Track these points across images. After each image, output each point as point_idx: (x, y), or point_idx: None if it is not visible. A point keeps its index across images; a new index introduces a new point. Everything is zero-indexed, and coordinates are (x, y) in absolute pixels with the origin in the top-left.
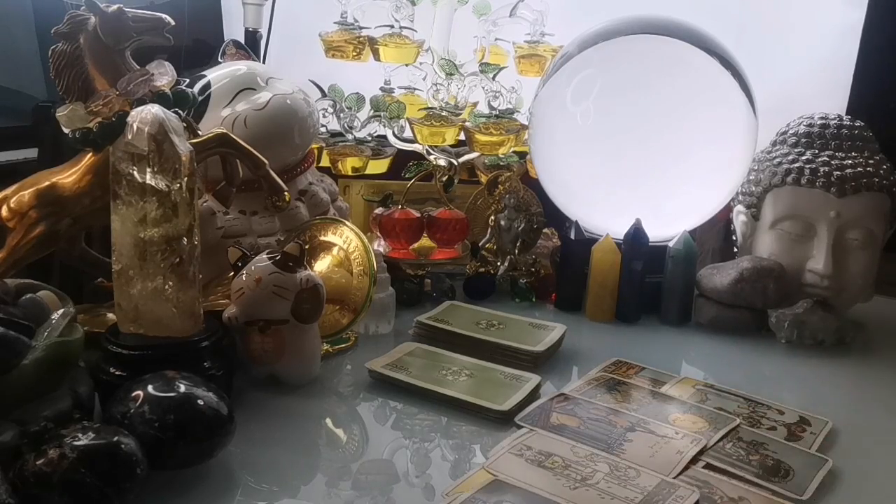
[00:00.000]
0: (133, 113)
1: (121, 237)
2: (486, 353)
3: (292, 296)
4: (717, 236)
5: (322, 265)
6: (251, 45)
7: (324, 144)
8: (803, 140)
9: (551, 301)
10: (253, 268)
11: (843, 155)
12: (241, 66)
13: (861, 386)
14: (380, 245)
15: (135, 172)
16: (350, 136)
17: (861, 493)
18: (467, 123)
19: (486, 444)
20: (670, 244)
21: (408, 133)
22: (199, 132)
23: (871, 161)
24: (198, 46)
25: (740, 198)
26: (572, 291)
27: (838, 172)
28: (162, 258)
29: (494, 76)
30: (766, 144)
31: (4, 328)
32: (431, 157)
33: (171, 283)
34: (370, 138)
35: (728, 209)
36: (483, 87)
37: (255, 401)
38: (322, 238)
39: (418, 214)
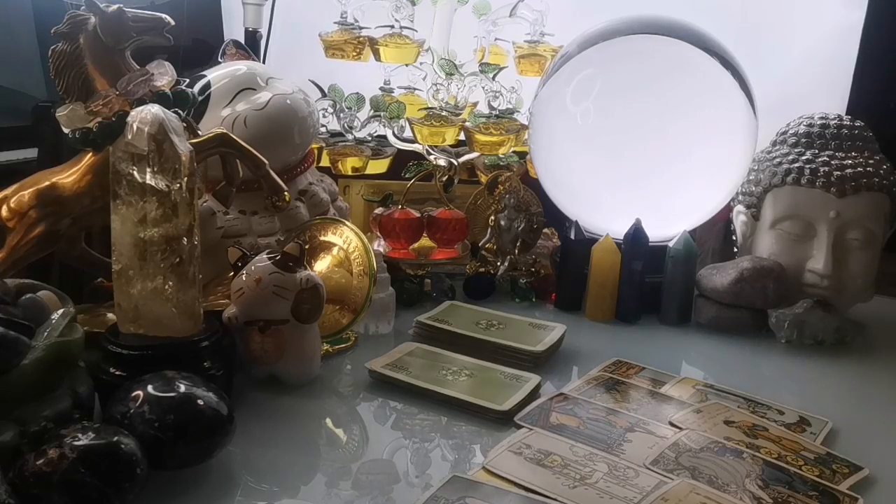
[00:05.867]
0: (133, 113)
1: (121, 237)
2: (486, 353)
3: (292, 296)
4: (717, 236)
5: (322, 265)
6: (251, 45)
7: (324, 144)
8: (803, 140)
9: (551, 301)
10: (253, 268)
11: (843, 155)
12: (241, 66)
13: (861, 386)
14: (380, 245)
15: (135, 172)
16: (350, 136)
17: (861, 492)
18: (467, 123)
19: (486, 443)
20: (670, 244)
21: (408, 133)
22: (199, 132)
23: (871, 161)
24: (198, 46)
25: (740, 198)
26: (572, 291)
27: (838, 172)
28: (162, 258)
29: (494, 76)
30: (766, 144)
31: (4, 328)
32: (431, 157)
33: (171, 283)
34: (370, 138)
35: (728, 209)
36: (483, 87)
37: (255, 401)
38: (322, 238)
39: (418, 214)
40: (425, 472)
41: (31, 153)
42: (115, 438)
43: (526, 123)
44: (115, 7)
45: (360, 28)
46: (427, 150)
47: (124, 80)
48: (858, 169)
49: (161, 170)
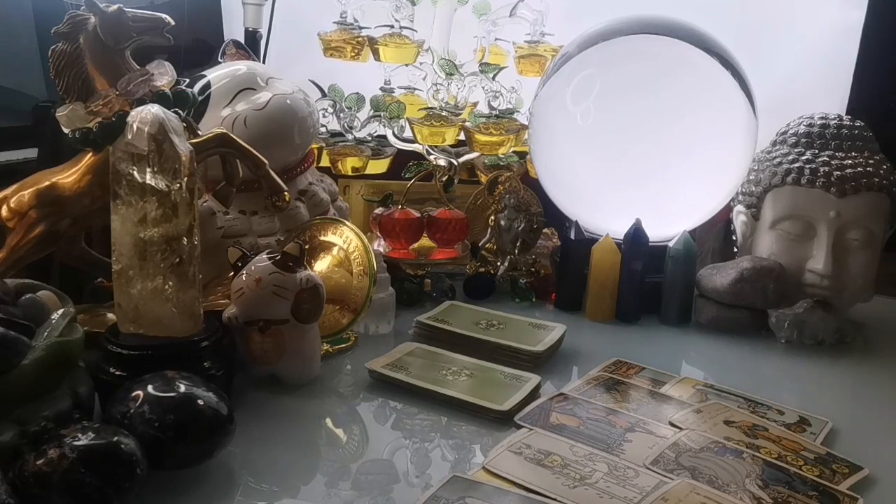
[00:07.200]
0: (133, 113)
1: (121, 237)
2: (486, 353)
3: (292, 296)
4: (717, 236)
5: (322, 265)
6: (251, 45)
7: (324, 144)
8: (803, 140)
9: (551, 301)
10: (253, 268)
11: (843, 155)
12: (241, 66)
13: (861, 386)
14: (380, 245)
15: (135, 172)
16: (350, 136)
17: (861, 492)
18: (467, 123)
19: (486, 443)
20: (670, 244)
21: (408, 133)
22: (199, 132)
23: (871, 161)
24: (198, 46)
25: (740, 198)
26: (572, 291)
27: (838, 172)
28: (162, 258)
29: (494, 76)
30: (766, 144)
31: (4, 328)
32: (431, 157)
33: (171, 283)
34: (370, 138)
35: (728, 209)
36: (483, 87)
37: (255, 401)
38: (322, 238)
39: (418, 214)
40: (425, 472)
41: (31, 153)
42: (115, 438)
43: (526, 123)
44: (115, 7)
45: (360, 28)
46: (427, 150)
47: (124, 80)
48: (858, 169)
49: (161, 170)
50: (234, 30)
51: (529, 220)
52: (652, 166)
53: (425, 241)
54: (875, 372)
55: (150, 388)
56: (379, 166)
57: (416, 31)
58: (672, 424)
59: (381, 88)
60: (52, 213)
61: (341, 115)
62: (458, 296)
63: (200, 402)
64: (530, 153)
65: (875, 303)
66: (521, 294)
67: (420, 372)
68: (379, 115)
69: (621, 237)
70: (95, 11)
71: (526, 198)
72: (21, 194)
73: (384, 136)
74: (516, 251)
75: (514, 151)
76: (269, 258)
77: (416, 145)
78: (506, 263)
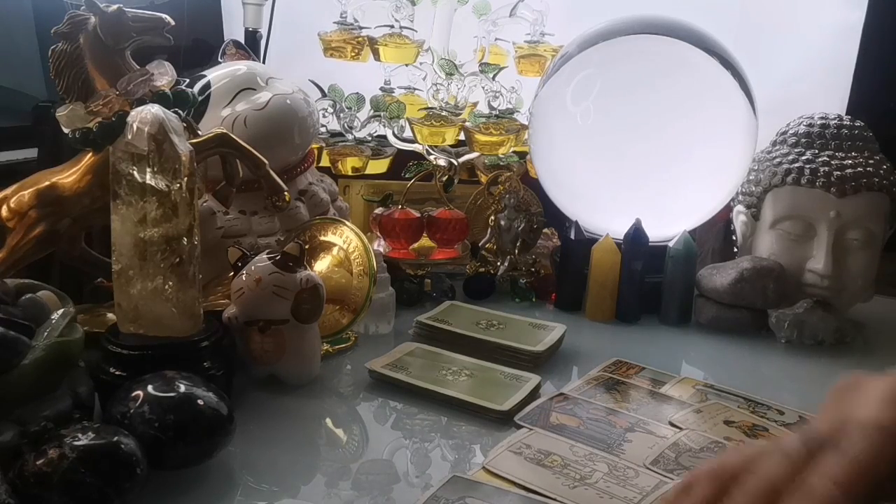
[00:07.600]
0: (133, 113)
1: (121, 237)
2: (486, 353)
3: (292, 296)
4: (717, 236)
5: (322, 265)
6: (251, 45)
7: (324, 144)
8: (803, 140)
9: (551, 301)
10: (253, 268)
11: (843, 155)
12: (241, 66)
13: None
14: (380, 245)
15: (135, 172)
16: (350, 136)
17: None
18: (467, 123)
19: (486, 444)
20: (670, 244)
21: (408, 133)
22: (199, 132)
23: (871, 161)
24: (198, 46)
25: (740, 198)
26: (572, 291)
27: (838, 172)
28: (162, 258)
29: (494, 76)
30: (766, 144)
31: (4, 328)
32: (431, 157)
33: (171, 283)
34: (370, 138)
35: (728, 209)
36: (483, 87)
37: (255, 401)
38: (322, 238)
39: (418, 214)
40: (425, 472)
41: (31, 153)
42: (115, 438)
43: (526, 123)
44: (115, 7)
45: (360, 28)
46: (427, 150)
47: (124, 80)
48: (858, 169)
49: (161, 170)
50: (234, 30)
51: (529, 220)
52: (652, 166)
53: (425, 241)
54: (875, 372)
55: (150, 388)
56: (379, 166)
57: (416, 31)
58: (672, 424)
59: (381, 88)
60: (52, 213)
61: (341, 115)
62: (458, 296)
63: (200, 402)
64: (530, 153)
65: (875, 303)
66: (521, 294)
67: (420, 372)
68: (379, 115)
69: (621, 237)
70: (95, 11)
71: (526, 198)
72: (21, 194)
73: (384, 136)
74: (516, 251)
75: (514, 151)
76: (269, 258)
77: (416, 145)
78: (506, 263)
